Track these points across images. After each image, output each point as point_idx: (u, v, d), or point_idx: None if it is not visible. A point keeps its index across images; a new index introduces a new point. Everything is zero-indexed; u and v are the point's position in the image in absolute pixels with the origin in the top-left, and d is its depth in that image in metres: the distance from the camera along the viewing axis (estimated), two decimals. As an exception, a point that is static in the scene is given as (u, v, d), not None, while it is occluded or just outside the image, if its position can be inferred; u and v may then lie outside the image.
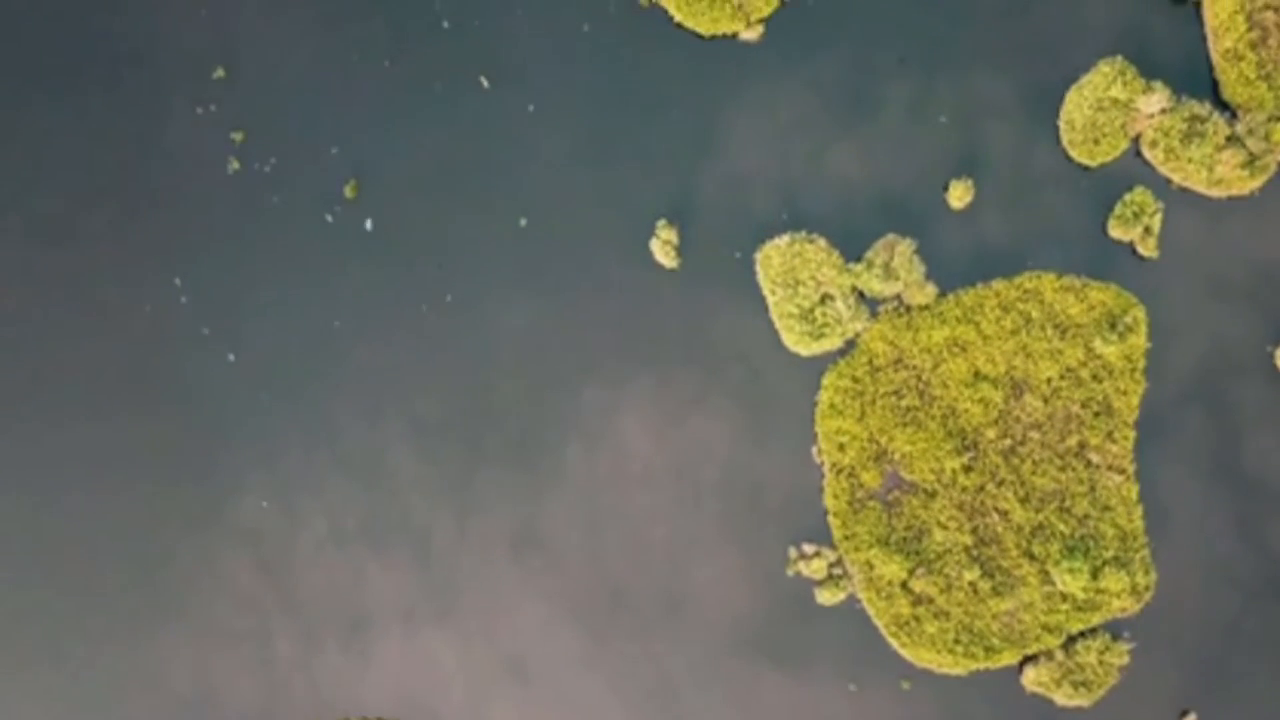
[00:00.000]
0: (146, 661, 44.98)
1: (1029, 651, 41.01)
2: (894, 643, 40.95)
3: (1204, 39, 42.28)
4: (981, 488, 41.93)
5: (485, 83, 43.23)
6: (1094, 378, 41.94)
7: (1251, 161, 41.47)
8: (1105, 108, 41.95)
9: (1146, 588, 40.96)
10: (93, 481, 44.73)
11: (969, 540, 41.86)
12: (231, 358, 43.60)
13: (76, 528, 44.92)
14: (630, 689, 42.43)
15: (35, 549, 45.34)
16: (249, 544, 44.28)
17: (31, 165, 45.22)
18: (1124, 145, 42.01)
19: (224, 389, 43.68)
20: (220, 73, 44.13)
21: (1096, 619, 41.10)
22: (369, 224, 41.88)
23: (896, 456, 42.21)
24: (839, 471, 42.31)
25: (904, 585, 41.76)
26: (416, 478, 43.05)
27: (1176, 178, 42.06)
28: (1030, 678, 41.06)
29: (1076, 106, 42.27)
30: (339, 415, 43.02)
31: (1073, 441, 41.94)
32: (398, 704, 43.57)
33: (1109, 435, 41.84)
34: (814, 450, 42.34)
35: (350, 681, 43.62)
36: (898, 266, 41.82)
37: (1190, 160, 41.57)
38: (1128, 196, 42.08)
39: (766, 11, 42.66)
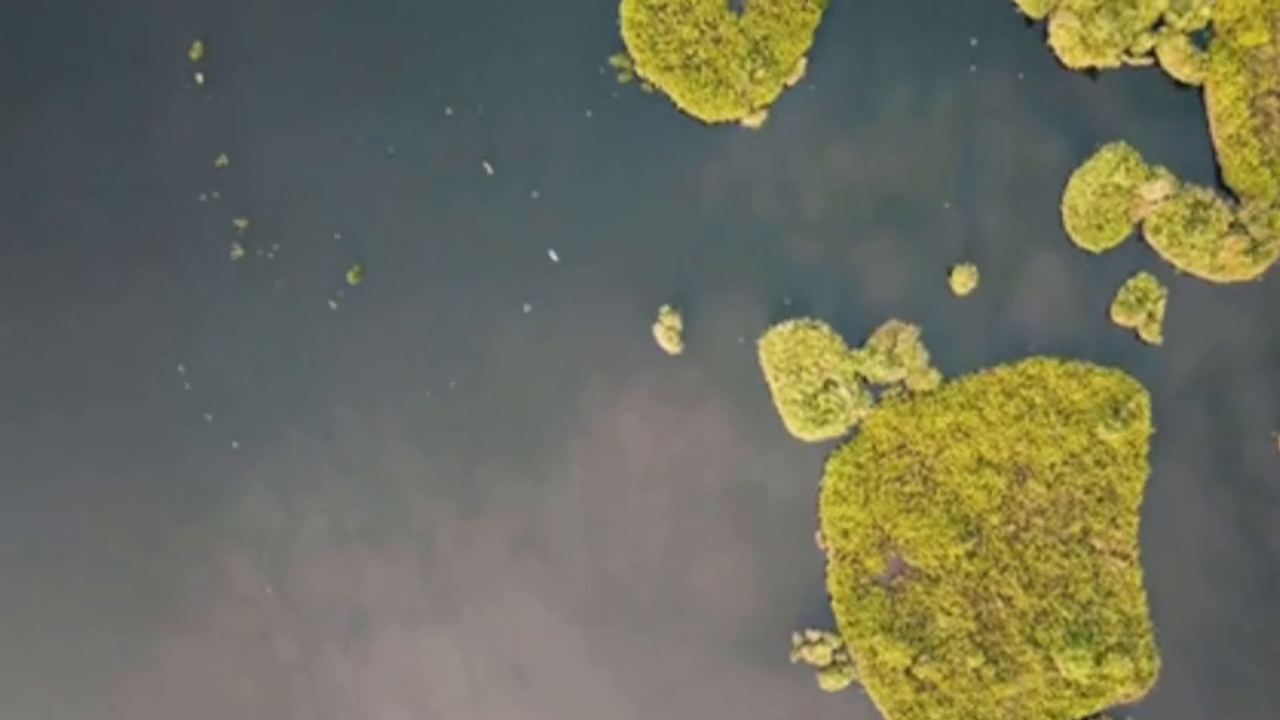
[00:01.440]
0: (146, 662, 45.52)
1: (1032, 738, 41.38)
2: (898, 729, 41.33)
3: (1207, 124, 42.29)
4: (985, 573, 42.23)
5: (488, 168, 43.48)
6: (1097, 463, 42.22)
7: (1255, 248, 41.73)
8: (1108, 194, 42.18)
9: (1150, 673, 41.30)
10: (92, 482, 44.61)
11: (972, 626, 42.18)
12: (235, 445, 43.82)
13: (76, 528, 45.44)
14: (630, 689, 42.82)
15: (35, 549, 45.78)
16: (249, 544, 44.15)
17: (37, 249, 45.38)
18: (1127, 231, 42.26)
19: (226, 478, 43.93)
20: (223, 160, 44.40)
21: (1100, 705, 41.49)
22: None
23: (900, 542, 42.51)
24: (843, 558, 42.63)
25: (908, 671, 42.10)
26: (417, 478, 42.97)
27: (1180, 263, 42.30)
28: (1034, 766, 41.43)
29: (1080, 192, 42.51)
30: (339, 415, 43.06)
31: (1076, 527, 42.23)
32: (398, 703, 43.92)
33: (1112, 521, 42.13)
34: (818, 536, 42.62)
35: (350, 681, 43.71)
36: (901, 353, 42.07)
37: (1193, 246, 41.83)
38: (1131, 282, 42.32)
39: (769, 98, 42.80)
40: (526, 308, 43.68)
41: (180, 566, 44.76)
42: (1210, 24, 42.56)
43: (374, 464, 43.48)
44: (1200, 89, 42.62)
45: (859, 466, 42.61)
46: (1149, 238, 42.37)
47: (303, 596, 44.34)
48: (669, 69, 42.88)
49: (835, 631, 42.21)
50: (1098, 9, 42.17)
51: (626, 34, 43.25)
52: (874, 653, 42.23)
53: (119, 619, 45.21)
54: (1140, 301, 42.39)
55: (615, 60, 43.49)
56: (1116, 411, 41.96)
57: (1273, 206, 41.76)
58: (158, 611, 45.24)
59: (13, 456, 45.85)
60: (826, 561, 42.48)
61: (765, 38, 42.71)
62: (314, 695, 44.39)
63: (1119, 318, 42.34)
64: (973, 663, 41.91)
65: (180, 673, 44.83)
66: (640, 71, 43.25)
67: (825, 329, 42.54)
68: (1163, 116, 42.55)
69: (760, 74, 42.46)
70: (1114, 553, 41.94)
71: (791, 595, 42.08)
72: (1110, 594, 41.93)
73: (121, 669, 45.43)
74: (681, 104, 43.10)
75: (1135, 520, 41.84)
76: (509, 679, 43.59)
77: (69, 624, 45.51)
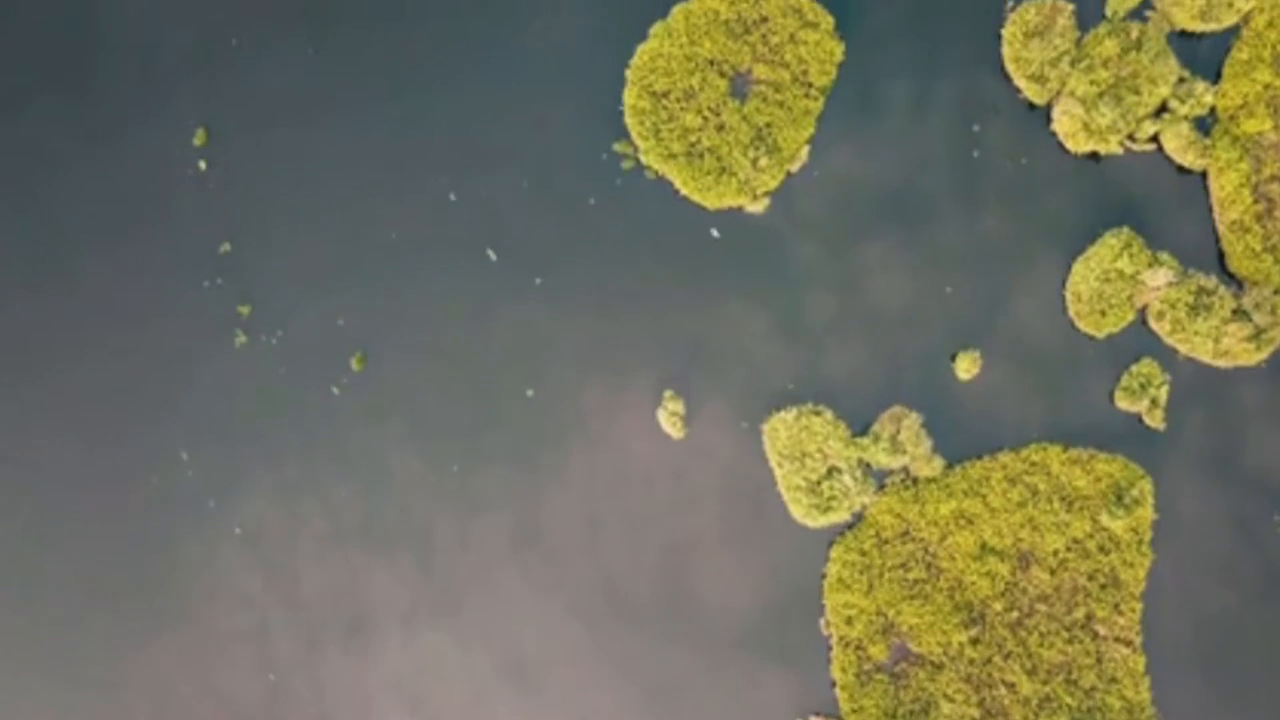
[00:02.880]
0: (146, 662, 45.74)
1: (1036, 829, 41.66)
2: (901, 818, 41.61)
3: (1210, 210, 42.50)
4: (989, 660, 42.46)
5: (492, 255, 43.63)
6: (1101, 550, 42.44)
7: (1258, 334, 41.97)
8: (1111, 279, 42.40)
9: (1153, 757, 41.57)
10: (91, 482, 44.93)
11: (976, 713, 42.41)
12: (238, 530, 44.05)
13: (75, 528, 45.54)
14: (631, 689, 43.19)
15: (34, 549, 45.94)
16: (249, 544, 44.48)
17: (38, 334, 45.55)
18: (1131, 317, 42.51)
19: (228, 558, 44.19)
20: (226, 247, 44.62)
21: (1104, 791, 41.66)
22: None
23: (904, 629, 42.73)
24: (846, 644, 42.87)
25: (912, 758, 42.32)
26: (417, 478, 43.43)
27: (1183, 349, 42.53)
28: None
29: (1083, 278, 42.72)
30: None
31: (1080, 614, 42.45)
32: (398, 703, 44.23)
33: (1116, 607, 42.35)
34: (821, 623, 42.78)
35: (351, 681, 44.09)
36: (905, 440, 42.28)
37: (1197, 333, 42.08)
38: (1135, 368, 42.53)
39: (772, 185, 42.98)
40: (529, 392, 43.85)
41: (180, 566, 44.80)
42: (1213, 110, 42.76)
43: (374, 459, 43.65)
44: (1203, 175, 42.73)
45: (862, 553, 42.85)
46: (1152, 323, 42.60)
47: (303, 596, 44.23)
48: (672, 156, 43.10)
49: (839, 718, 42.35)
50: (1100, 96, 42.39)
51: (630, 121, 43.47)
52: (878, 740, 42.47)
53: (118, 619, 45.47)
54: (1144, 387, 42.60)
55: (618, 147, 43.70)
56: (1120, 498, 42.18)
57: (1276, 293, 42.03)
58: (157, 612, 45.43)
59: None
60: (830, 648, 42.53)
61: (768, 125, 42.91)
62: (315, 695, 44.25)
63: (1122, 403, 42.55)
64: (977, 749, 42.12)
65: (180, 673, 44.48)
66: (643, 159, 43.41)
67: (829, 415, 42.74)
68: (1166, 202, 42.80)
69: (763, 162, 42.69)
70: (1117, 639, 42.17)
71: (795, 681, 42.07)
72: (1114, 680, 42.17)
73: (121, 669, 45.55)
74: (684, 191, 43.35)
75: (1138, 606, 42.11)
76: (509, 679, 44.02)
77: (69, 624, 45.68)
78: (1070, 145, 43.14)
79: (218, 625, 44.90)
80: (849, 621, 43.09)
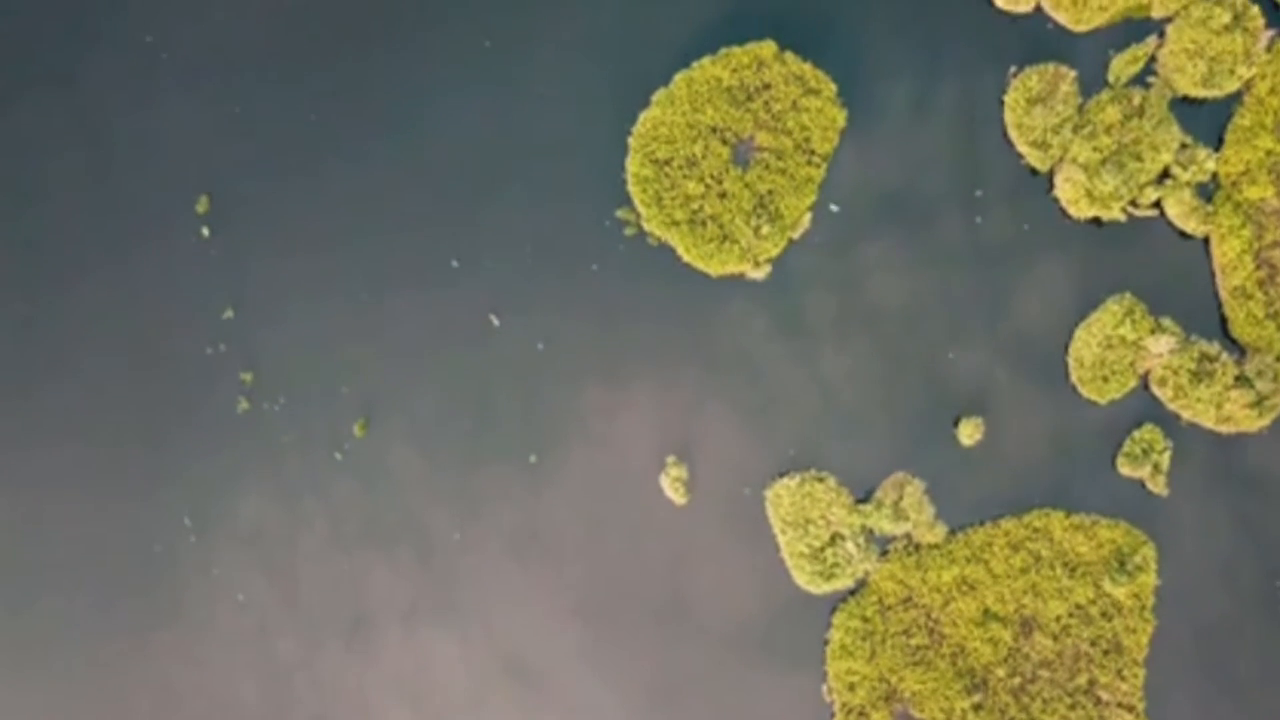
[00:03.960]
0: (146, 662, 45.92)
1: None
2: None
3: (1213, 276, 42.69)
4: (991, 726, 42.67)
5: (495, 321, 43.81)
6: (1103, 615, 42.68)
7: (1260, 401, 42.20)
8: (1114, 346, 42.62)
9: (1156, 825, 41.77)
10: (90, 482, 45.32)
11: (979, 779, 42.62)
12: (241, 598, 44.25)
13: (74, 527, 45.77)
14: (631, 688, 43.49)
15: (33, 549, 46.22)
16: (249, 544, 44.62)
17: (40, 398, 45.82)
18: (1133, 383, 42.73)
19: (232, 621, 44.47)
20: (229, 313, 44.80)
21: None
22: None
23: (907, 695, 42.94)
24: (849, 711, 43.15)
25: (915, 825, 42.59)
26: (416, 477, 43.73)
27: (1186, 415, 42.74)
28: None
29: (1085, 344, 42.94)
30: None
31: (1082, 680, 42.67)
32: (398, 703, 44.54)
33: (1118, 673, 42.58)
34: (824, 689, 43.00)
35: (351, 681, 44.35)
36: (907, 506, 42.52)
37: (1199, 399, 42.23)
38: (1137, 434, 42.74)
39: (774, 252, 43.15)
40: (532, 458, 44.06)
41: (180, 566, 44.97)
42: (1215, 177, 42.95)
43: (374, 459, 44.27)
44: (1206, 241, 42.93)
45: (865, 620, 43.07)
46: (1154, 389, 42.82)
47: (303, 596, 44.55)
48: (674, 224, 43.31)
49: (842, 748, 42.54)
50: (1103, 163, 42.60)
51: (632, 189, 43.70)
52: (881, 807, 42.71)
53: (118, 619, 45.72)
54: (1146, 453, 42.81)
55: (621, 214, 43.92)
56: (1122, 564, 42.40)
57: (1278, 360, 42.13)
58: (157, 612, 45.68)
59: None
60: (833, 715, 42.74)
61: (770, 192, 43.12)
62: (315, 695, 44.57)
63: (1125, 469, 42.77)
64: (979, 816, 42.35)
65: (180, 673, 44.61)
66: (645, 226, 43.61)
67: (832, 481, 42.96)
68: (1168, 268, 43.04)
69: (765, 229, 42.89)
70: (1120, 704, 42.43)
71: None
72: (1116, 746, 42.34)
73: (121, 669, 45.80)
74: (687, 258, 43.58)
75: (1141, 672, 42.38)
76: (510, 678, 44.29)
77: (69, 623, 45.86)
78: (1072, 211, 43.34)
79: (218, 625, 44.70)
80: (851, 688, 43.33)
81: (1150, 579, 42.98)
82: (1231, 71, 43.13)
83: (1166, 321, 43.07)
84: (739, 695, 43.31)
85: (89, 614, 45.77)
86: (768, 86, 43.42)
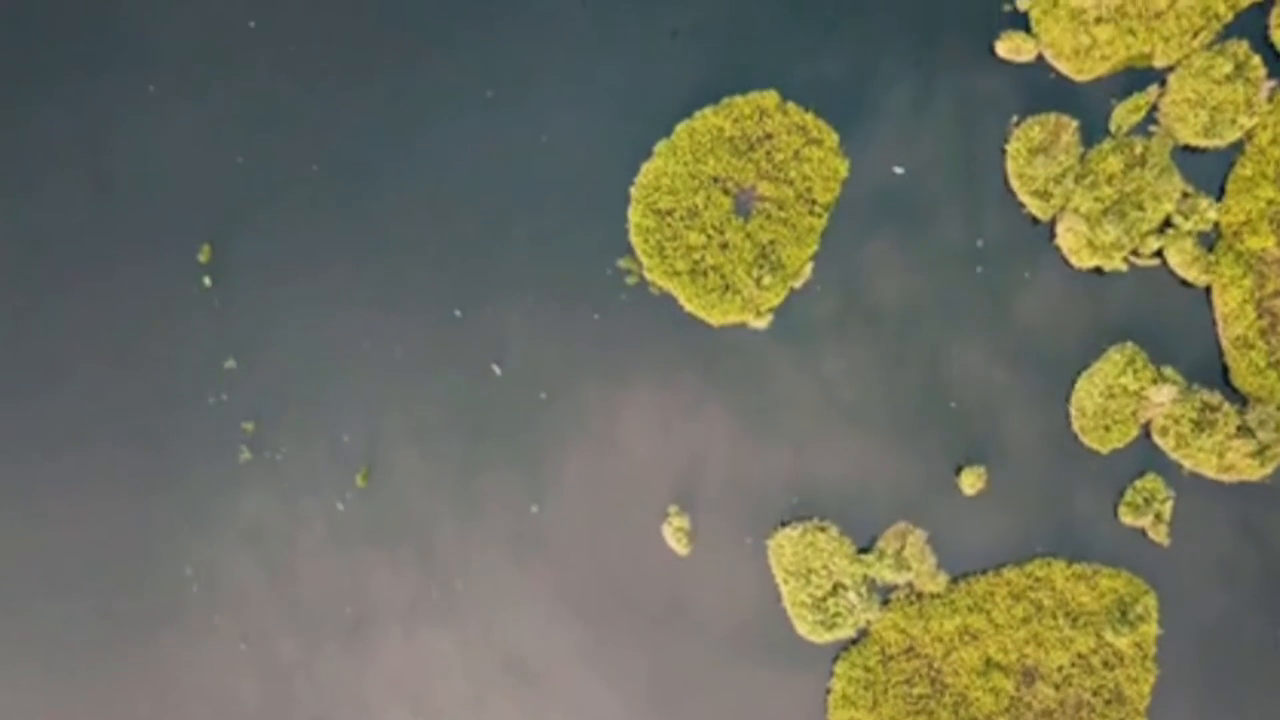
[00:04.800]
0: (146, 662, 46.02)
1: None
2: None
3: (1215, 325, 42.82)
4: (994, 776, 42.84)
5: (497, 370, 43.95)
6: (1105, 665, 42.86)
7: (1262, 451, 42.33)
8: (1116, 395, 42.76)
9: None
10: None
11: (981, 829, 42.77)
12: (243, 647, 44.39)
13: (75, 527, 45.96)
14: (631, 687, 43.70)
15: (34, 549, 46.33)
16: (249, 544, 44.77)
17: (42, 452, 45.96)
18: (1134, 432, 42.92)
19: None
20: (231, 363, 44.94)
21: None
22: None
23: (909, 745, 43.07)
24: (852, 760, 43.19)
25: None
26: (416, 477, 43.93)
27: (1187, 464, 42.93)
28: None
29: (1087, 394, 43.09)
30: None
31: (1084, 729, 42.79)
32: (399, 703, 44.77)
33: (1120, 723, 42.72)
34: (826, 735, 43.23)
35: (351, 681, 44.59)
36: (909, 556, 42.68)
37: (1201, 449, 42.34)
38: (1138, 483, 42.90)
39: (775, 302, 43.28)
40: (534, 508, 44.19)
41: (179, 566, 45.11)
42: (1217, 226, 43.07)
43: (374, 459, 44.47)
44: (1207, 290, 43.06)
45: (867, 669, 43.23)
46: (1156, 438, 42.98)
47: (303, 596, 44.79)
48: (676, 274, 43.45)
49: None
50: (1104, 212, 42.75)
51: (634, 239, 43.84)
52: None
53: (118, 619, 45.82)
54: (1148, 502, 42.97)
55: (623, 263, 44.06)
56: (1124, 614, 42.56)
57: (1279, 410, 42.16)
58: (157, 612, 45.78)
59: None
60: (835, 762, 42.96)
61: (772, 242, 43.25)
62: (315, 695, 44.80)
63: (1126, 518, 42.94)
64: None
65: (180, 673, 44.84)
66: (647, 275, 43.72)
67: (834, 531, 43.10)
68: (1170, 317, 43.23)
69: (767, 280, 43.03)
70: (1122, 754, 42.50)
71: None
72: (1118, 795, 42.50)
73: (121, 669, 45.91)
74: (689, 308, 43.66)
75: (1143, 722, 42.41)
76: (510, 678, 44.46)
77: (68, 623, 46.00)
78: (1074, 261, 43.50)
79: (218, 625, 44.89)
80: (854, 738, 43.46)
81: (1152, 628, 43.16)
82: (1233, 121, 43.29)
83: (1168, 371, 43.22)
84: (738, 696, 43.30)
85: (89, 615, 45.67)
86: (770, 136, 43.55)
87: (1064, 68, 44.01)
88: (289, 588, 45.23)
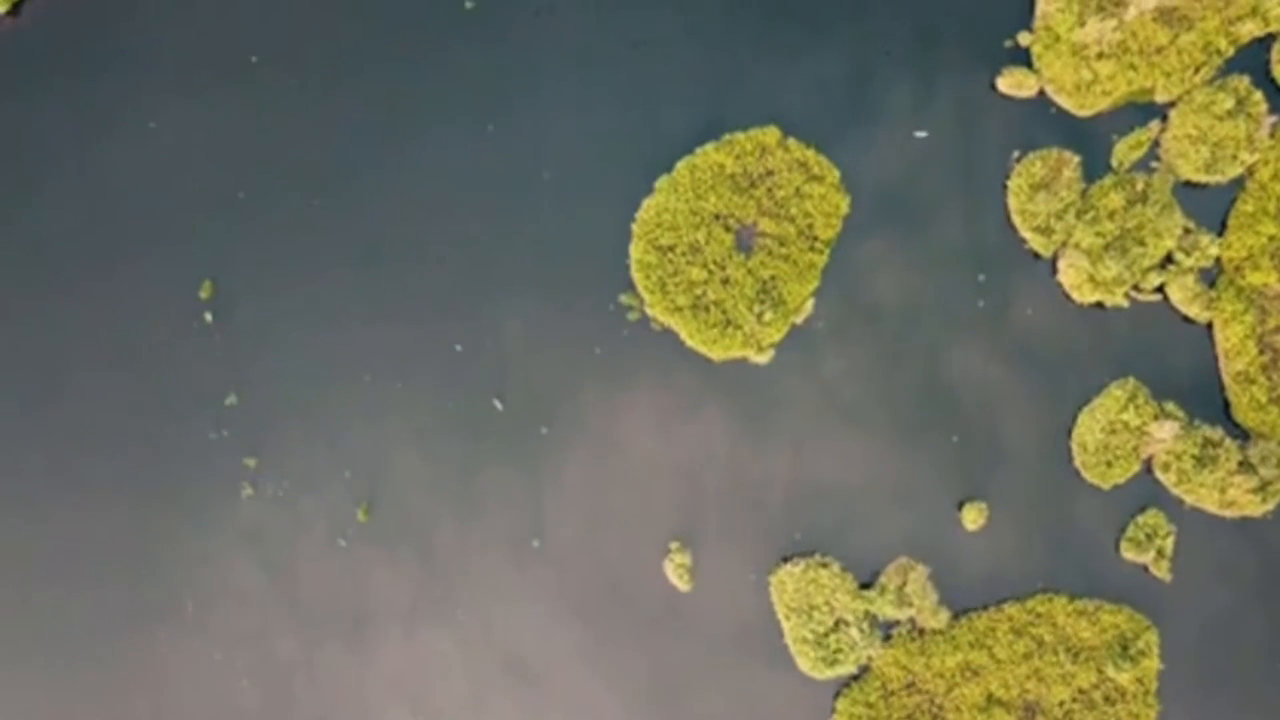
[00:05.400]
0: (146, 662, 45.96)
1: None
2: None
3: (1216, 360, 42.92)
4: (995, 811, 42.95)
5: (498, 405, 44.01)
6: (1106, 700, 43.01)
7: (1263, 487, 42.44)
8: (1117, 430, 42.87)
9: None
10: (90, 481, 45.72)
11: None
12: (245, 683, 44.47)
13: (75, 527, 45.95)
14: (631, 687, 43.80)
15: (34, 549, 46.31)
16: (249, 544, 44.90)
17: (43, 493, 46.02)
18: (1136, 467, 43.05)
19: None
20: (232, 399, 44.99)
21: None
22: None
23: (911, 780, 43.16)
24: (854, 796, 43.29)
25: None
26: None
27: (1189, 499, 43.05)
28: None
29: (1089, 429, 43.19)
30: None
31: (1086, 765, 42.86)
32: (399, 702, 44.83)
33: (1122, 758, 42.81)
34: (827, 771, 43.34)
35: (351, 681, 44.71)
36: (911, 592, 42.78)
37: (1203, 484, 42.44)
38: (1140, 519, 43.04)
39: (776, 338, 43.35)
40: (535, 543, 44.27)
41: (180, 566, 45.25)
42: (1218, 262, 43.14)
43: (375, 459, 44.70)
44: (1209, 326, 43.15)
45: (869, 705, 43.33)
46: (1158, 474, 43.07)
47: (303, 596, 44.84)
48: (678, 309, 43.54)
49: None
50: (1106, 248, 42.85)
51: (636, 275, 43.95)
52: None
53: (118, 619, 45.74)
54: (1149, 538, 43.11)
55: (624, 298, 44.16)
56: (1125, 649, 42.68)
57: (1280, 446, 42.36)
58: (158, 612, 45.71)
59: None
60: (836, 784, 43.14)
61: (773, 278, 43.35)
62: (315, 695, 44.93)
63: (1128, 554, 43.08)
64: None
65: (180, 673, 45.04)
66: (649, 311, 43.79)
67: (836, 567, 43.19)
68: (1171, 352, 43.39)
69: (768, 315, 43.11)
70: (1124, 789, 42.59)
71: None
72: (1120, 831, 42.61)
73: (121, 669, 45.88)
74: (690, 343, 43.73)
75: (1145, 757, 42.51)
76: (510, 678, 44.53)
77: (68, 623, 46.00)
78: (1075, 296, 43.63)
79: (218, 625, 45.03)
80: (856, 773, 43.55)
81: (1154, 664, 43.30)
82: (1234, 157, 43.42)
83: (1170, 406, 43.33)
84: (738, 695, 43.42)
85: (89, 615, 45.75)
86: (771, 173, 43.64)
87: (1065, 103, 44.12)
88: (289, 588, 45.10)
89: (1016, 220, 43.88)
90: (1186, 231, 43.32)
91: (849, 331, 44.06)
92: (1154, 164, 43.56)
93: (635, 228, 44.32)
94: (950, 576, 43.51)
